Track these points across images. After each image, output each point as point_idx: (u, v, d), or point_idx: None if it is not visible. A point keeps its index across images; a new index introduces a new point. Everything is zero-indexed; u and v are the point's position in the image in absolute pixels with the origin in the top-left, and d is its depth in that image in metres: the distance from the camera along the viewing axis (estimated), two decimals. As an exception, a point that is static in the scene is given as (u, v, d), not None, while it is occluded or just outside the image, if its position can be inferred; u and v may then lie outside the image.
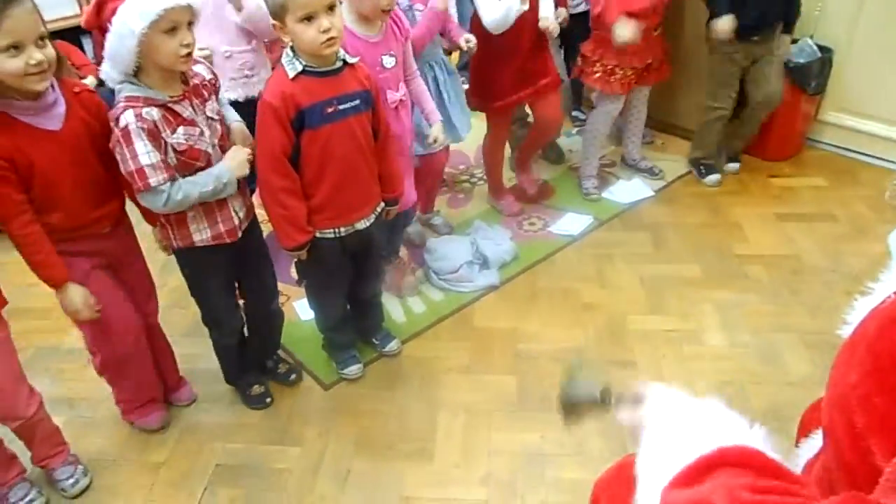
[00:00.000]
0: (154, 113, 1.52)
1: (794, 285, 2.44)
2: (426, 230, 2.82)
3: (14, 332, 1.68)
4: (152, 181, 1.52)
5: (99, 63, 3.76)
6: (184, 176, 1.61)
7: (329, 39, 1.57)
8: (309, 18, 1.55)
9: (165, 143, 1.55)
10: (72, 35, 3.82)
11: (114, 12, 1.45)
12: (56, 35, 3.55)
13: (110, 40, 1.48)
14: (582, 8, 2.93)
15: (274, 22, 1.61)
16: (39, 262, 1.58)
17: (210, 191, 1.62)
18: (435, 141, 2.24)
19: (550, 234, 2.80)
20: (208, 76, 1.69)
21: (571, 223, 2.84)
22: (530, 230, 2.84)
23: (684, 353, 2.17)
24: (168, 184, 1.55)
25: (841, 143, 3.19)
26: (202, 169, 1.63)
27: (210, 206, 1.69)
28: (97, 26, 1.48)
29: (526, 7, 2.29)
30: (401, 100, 2.10)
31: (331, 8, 1.57)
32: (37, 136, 1.49)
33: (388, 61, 2.02)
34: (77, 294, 1.62)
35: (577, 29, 2.94)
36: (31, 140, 1.48)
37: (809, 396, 0.92)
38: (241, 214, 1.77)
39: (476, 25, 2.43)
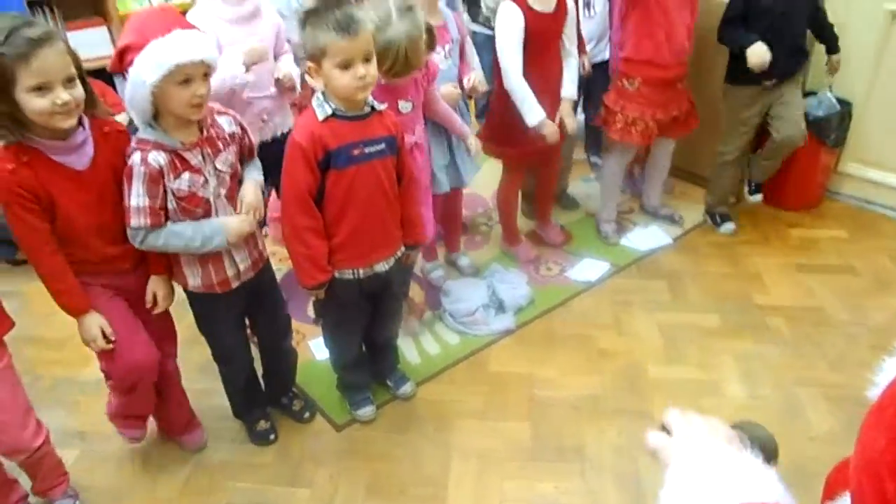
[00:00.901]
0: (161, 159, 1.57)
1: (816, 338, 2.40)
2: (451, 270, 2.84)
3: (31, 361, 1.70)
4: (133, 222, 1.59)
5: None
6: (184, 219, 1.64)
7: (363, 87, 1.62)
8: (346, 65, 1.59)
9: (166, 188, 1.60)
10: (105, 74, 3.95)
11: (132, 62, 1.49)
12: (90, 73, 3.68)
13: (127, 88, 1.53)
14: (602, 58, 2.98)
15: (310, 64, 1.65)
16: (61, 291, 1.60)
17: (197, 246, 1.65)
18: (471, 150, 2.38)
19: (567, 280, 2.79)
20: (230, 129, 1.72)
21: (588, 269, 2.84)
22: (547, 275, 2.83)
23: (703, 405, 2.13)
24: (146, 229, 1.60)
25: (861, 195, 3.18)
26: (201, 216, 1.66)
27: (206, 255, 1.71)
28: (120, 72, 1.53)
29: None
30: (416, 142, 2.14)
31: (367, 58, 1.62)
32: (64, 174, 1.52)
33: (405, 106, 2.06)
34: (94, 323, 1.64)
35: (598, 78, 2.99)
36: (57, 178, 1.51)
37: (833, 453, 0.90)
38: (244, 266, 1.79)
39: (497, 72, 2.48)
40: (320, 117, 1.67)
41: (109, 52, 4.08)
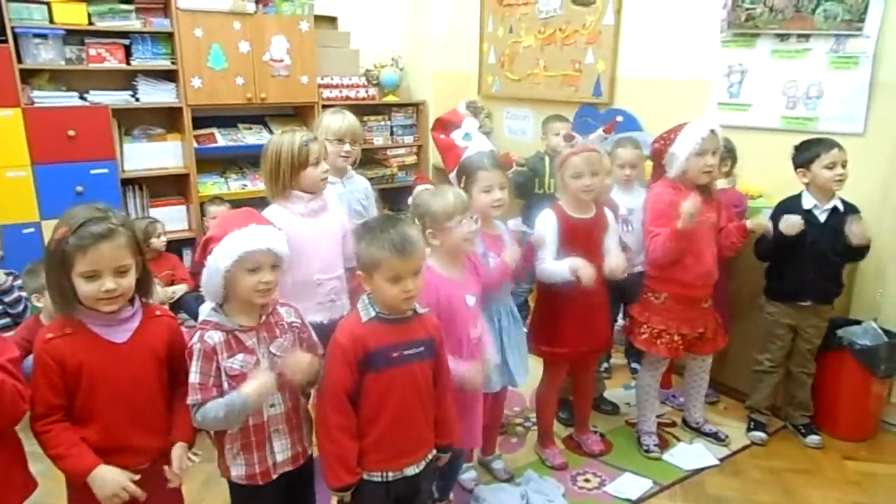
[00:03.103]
0: (216, 337, 1.66)
1: None
2: (483, 473, 2.72)
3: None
4: (190, 398, 1.65)
5: (194, 272, 4.21)
6: None
7: (409, 298, 1.71)
8: (396, 280, 1.69)
9: (219, 365, 1.66)
10: (177, 245, 4.32)
11: (212, 251, 1.68)
12: (169, 243, 4.02)
13: (204, 274, 1.70)
14: (640, 269, 3.06)
15: (360, 273, 1.76)
16: (60, 455, 1.56)
17: (223, 417, 1.63)
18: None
19: (606, 495, 2.63)
20: (289, 319, 1.81)
21: (629, 485, 2.68)
22: (585, 487, 2.69)
23: None
24: (198, 405, 1.65)
25: (921, 428, 3.01)
26: None
27: (248, 444, 1.73)
28: (201, 263, 1.73)
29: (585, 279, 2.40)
30: (479, 336, 2.18)
31: (416, 273, 1.71)
32: (98, 344, 1.60)
33: (471, 300, 2.14)
34: (109, 474, 1.57)
35: (636, 287, 3.04)
36: (91, 347, 1.59)
37: None
38: (282, 457, 1.77)
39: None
40: (363, 318, 1.74)
41: (186, 226, 4.49)
